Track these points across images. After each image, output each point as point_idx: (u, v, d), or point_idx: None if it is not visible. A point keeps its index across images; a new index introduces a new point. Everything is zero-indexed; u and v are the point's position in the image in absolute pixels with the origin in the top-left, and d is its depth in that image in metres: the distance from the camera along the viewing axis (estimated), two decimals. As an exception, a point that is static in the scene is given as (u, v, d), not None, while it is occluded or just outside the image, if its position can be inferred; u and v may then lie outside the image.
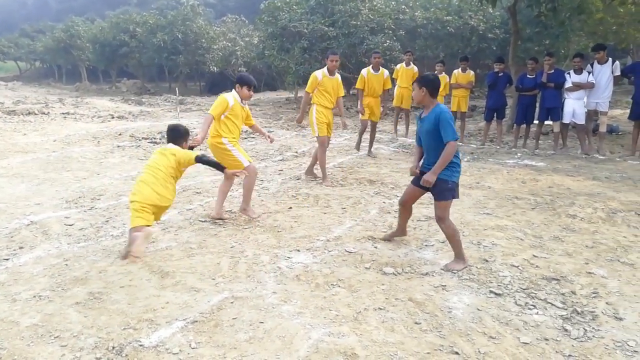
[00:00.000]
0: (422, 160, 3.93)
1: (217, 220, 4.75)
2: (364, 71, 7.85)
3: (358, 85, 7.89)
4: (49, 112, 16.03)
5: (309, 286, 3.37)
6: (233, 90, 4.81)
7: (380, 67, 7.85)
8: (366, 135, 8.35)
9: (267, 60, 21.25)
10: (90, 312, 2.97)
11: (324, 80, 6.21)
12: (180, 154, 4.02)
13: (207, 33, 31.09)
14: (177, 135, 4.18)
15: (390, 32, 18.66)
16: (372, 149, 8.39)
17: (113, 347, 2.60)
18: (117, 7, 51.32)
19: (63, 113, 15.53)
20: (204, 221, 4.74)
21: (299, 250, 4.02)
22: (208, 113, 4.64)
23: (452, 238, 3.69)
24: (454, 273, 3.57)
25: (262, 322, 2.88)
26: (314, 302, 3.14)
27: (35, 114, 15.69)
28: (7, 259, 3.81)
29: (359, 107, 8.05)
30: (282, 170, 7.22)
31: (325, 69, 6.23)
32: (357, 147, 8.61)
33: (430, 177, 3.57)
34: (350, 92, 19.94)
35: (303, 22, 18.03)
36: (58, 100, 20.52)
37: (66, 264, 3.69)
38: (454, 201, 4.88)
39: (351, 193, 5.78)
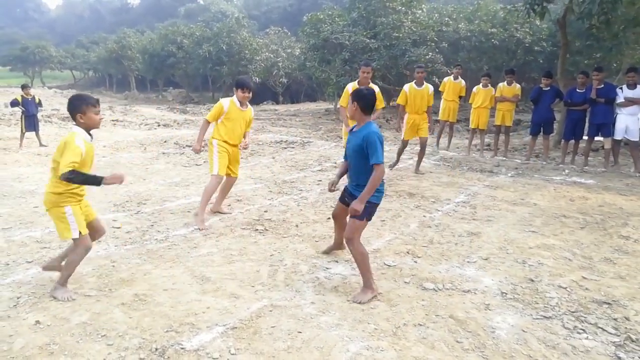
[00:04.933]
0: (347, 177, 3.77)
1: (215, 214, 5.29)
2: (406, 87, 7.43)
3: (400, 100, 7.50)
4: (100, 119, 16.77)
5: (347, 298, 3.35)
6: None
7: (425, 82, 7.45)
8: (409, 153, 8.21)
9: (308, 71, 21.52)
10: (134, 313, 3.06)
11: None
12: None
13: (251, 45, 31.85)
14: None
15: (433, 44, 18.50)
16: (419, 167, 7.77)
17: (156, 349, 2.66)
18: (165, 19, 53.44)
19: (113, 120, 16.24)
20: (245, 228, 4.81)
21: (337, 262, 4.01)
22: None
23: (361, 263, 3.36)
24: (360, 304, 3.23)
25: (300, 332, 2.89)
26: (353, 314, 3.12)
27: (88, 120, 16.46)
28: (59, 258, 3.99)
29: (397, 124, 7.71)
30: (320, 180, 7.25)
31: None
32: (393, 166, 7.87)
33: (357, 206, 3.26)
34: (390, 104, 19.83)
35: (345, 34, 18.19)
36: (108, 108, 21.50)
37: (113, 265, 3.84)
38: (496, 216, 4.71)
39: (390, 206, 5.73)
